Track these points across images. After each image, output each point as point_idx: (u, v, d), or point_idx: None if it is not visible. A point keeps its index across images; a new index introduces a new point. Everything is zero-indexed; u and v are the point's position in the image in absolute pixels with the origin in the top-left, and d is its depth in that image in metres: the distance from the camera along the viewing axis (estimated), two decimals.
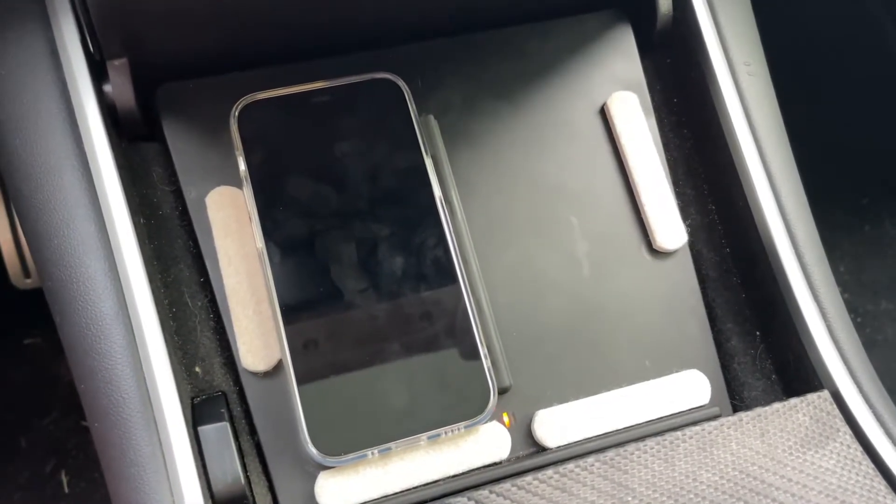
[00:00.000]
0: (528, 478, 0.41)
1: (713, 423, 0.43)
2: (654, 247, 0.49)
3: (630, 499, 0.41)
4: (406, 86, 0.46)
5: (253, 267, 0.44)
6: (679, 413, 0.46)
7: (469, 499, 0.40)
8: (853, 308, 0.97)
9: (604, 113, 0.51)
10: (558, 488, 0.41)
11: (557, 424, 0.44)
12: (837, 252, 1.00)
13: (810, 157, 0.55)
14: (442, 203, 0.45)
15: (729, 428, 0.43)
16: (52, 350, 0.94)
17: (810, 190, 0.50)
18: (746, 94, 0.50)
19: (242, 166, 0.44)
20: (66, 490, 0.87)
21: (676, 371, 0.47)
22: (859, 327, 0.48)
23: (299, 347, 0.41)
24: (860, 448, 0.44)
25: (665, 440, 0.43)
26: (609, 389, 0.46)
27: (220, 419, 0.42)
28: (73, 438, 0.90)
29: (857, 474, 0.43)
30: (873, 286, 1.00)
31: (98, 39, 0.43)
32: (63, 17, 0.43)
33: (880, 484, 0.43)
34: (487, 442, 0.43)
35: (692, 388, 0.47)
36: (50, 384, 0.92)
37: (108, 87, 0.44)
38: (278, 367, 0.43)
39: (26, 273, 0.87)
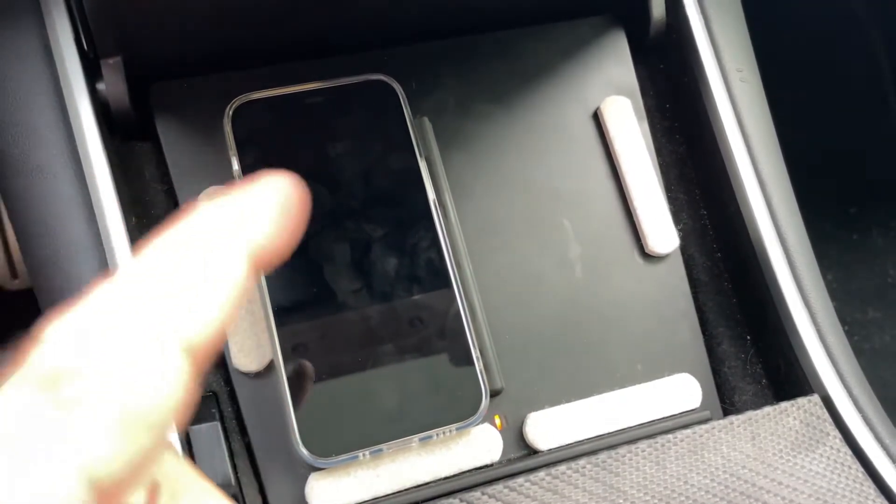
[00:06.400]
0: (520, 479, 0.41)
1: (704, 427, 0.44)
2: (646, 251, 0.49)
3: (621, 501, 0.41)
4: (400, 87, 0.46)
5: None
6: (670, 416, 0.46)
7: (461, 500, 0.40)
8: (841, 316, 0.97)
9: (597, 117, 0.51)
10: (550, 490, 0.41)
11: (549, 427, 0.44)
12: (825, 261, 1.00)
13: (798, 165, 0.55)
14: (435, 205, 0.45)
15: (720, 431, 0.43)
16: None
17: (798, 198, 0.51)
18: (738, 100, 0.50)
19: (236, 166, 0.44)
20: None
21: (667, 375, 0.47)
22: (847, 336, 0.49)
23: (291, 348, 0.41)
24: (850, 452, 0.44)
25: (656, 443, 0.43)
26: (600, 392, 0.46)
27: (210, 419, 0.41)
28: None
29: (847, 478, 0.43)
30: (861, 295, 1.00)
31: (92, 37, 0.43)
32: (57, 14, 0.43)
33: (869, 488, 0.43)
34: (479, 444, 0.43)
35: (683, 391, 0.47)
36: None
37: (101, 86, 0.44)
38: (270, 368, 0.43)
39: (14, 274, 0.86)
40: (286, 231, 0.23)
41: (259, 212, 0.22)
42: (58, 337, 0.19)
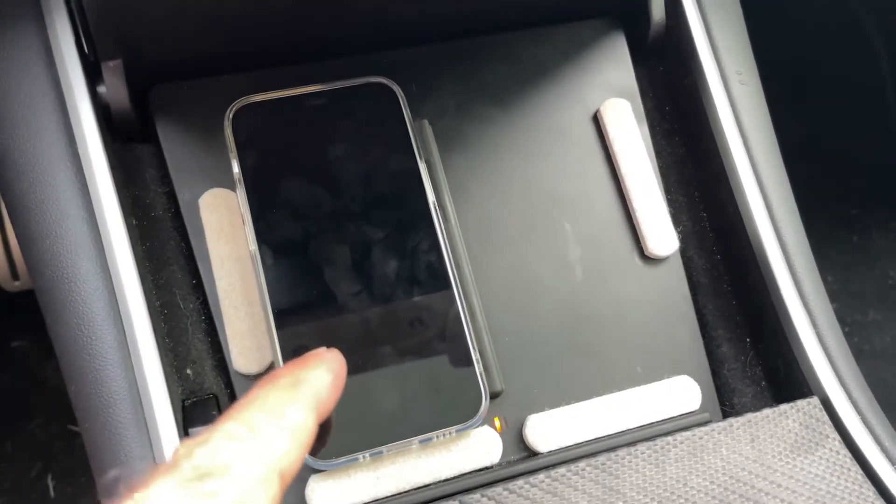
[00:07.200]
0: (520, 482, 0.41)
1: (704, 429, 0.44)
2: (645, 253, 0.49)
3: (621, 503, 0.41)
4: (401, 90, 0.46)
5: (245, 269, 0.44)
6: (669, 419, 0.46)
7: (460, 502, 0.40)
8: (841, 318, 0.98)
9: (597, 120, 0.51)
10: (549, 492, 0.41)
11: (548, 429, 0.44)
12: (826, 262, 1.01)
13: (798, 167, 0.55)
14: (435, 207, 0.45)
15: (719, 433, 0.44)
16: (39, 353, 0.93)
17: (799, 200, 0.51)
18: (738, 102, 0.50)
19: (236, 169, 0.44)
20: (52, 494, 0.87)
21: (667, 377, 0.47)
22: (847, 337, 0.49)
23: (291, 350, 0.41)
24: (849, 454, 0.44)
25: (656, 445, 0.43)
26: (600, 395, 0.46)
27: (211, 421, 0.41)
28: (59, 442, 0.89)
29: (846, 480, 0.43)
30: (861, 296, 1.00)
31: (93, 40, 0.43)
32: (58, 18, 0.43)
33: (869, 490, 0.43)
34: (479, 446, 0.43)
35: (683, 393, 0.47)
36: (36, 387, 0.92)
37: (101, 88, 0.44)
38: (270, 370, 0.43)
39: (15, 276, 0.86)
40: (338, 394, 0.34)
41: (323, 381, 0.33)
42: (198, 450, 0.27)
